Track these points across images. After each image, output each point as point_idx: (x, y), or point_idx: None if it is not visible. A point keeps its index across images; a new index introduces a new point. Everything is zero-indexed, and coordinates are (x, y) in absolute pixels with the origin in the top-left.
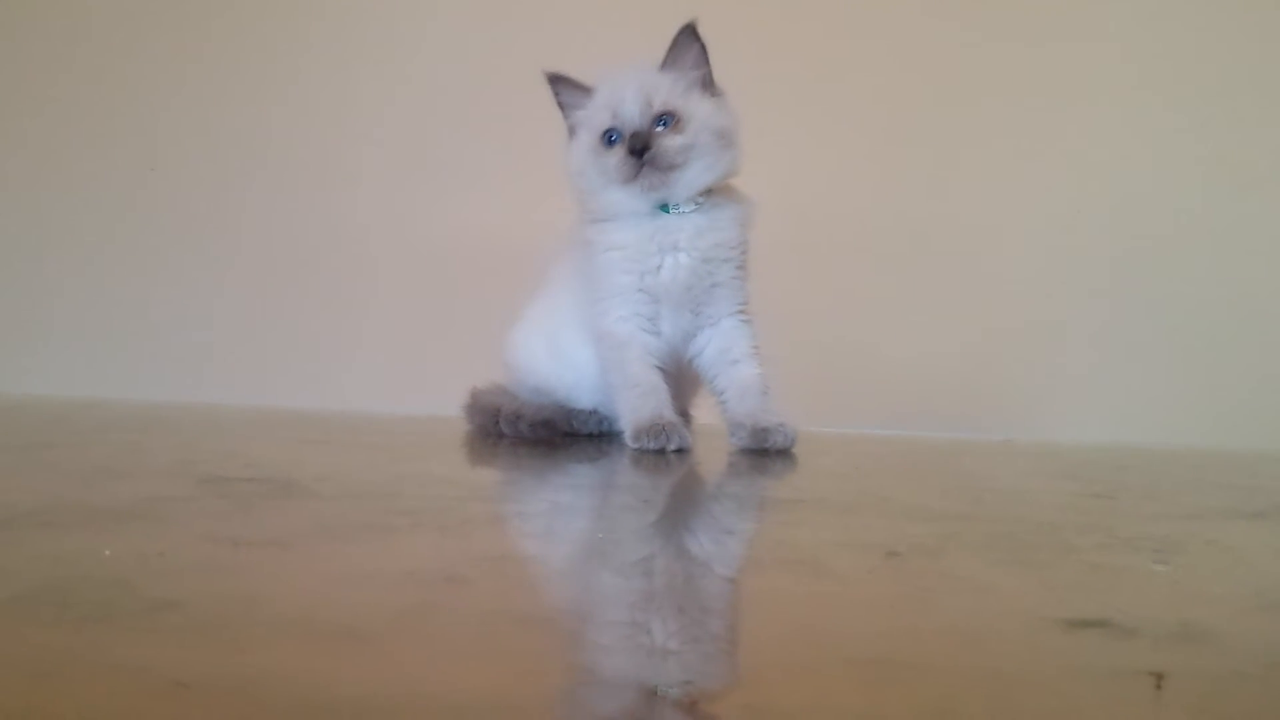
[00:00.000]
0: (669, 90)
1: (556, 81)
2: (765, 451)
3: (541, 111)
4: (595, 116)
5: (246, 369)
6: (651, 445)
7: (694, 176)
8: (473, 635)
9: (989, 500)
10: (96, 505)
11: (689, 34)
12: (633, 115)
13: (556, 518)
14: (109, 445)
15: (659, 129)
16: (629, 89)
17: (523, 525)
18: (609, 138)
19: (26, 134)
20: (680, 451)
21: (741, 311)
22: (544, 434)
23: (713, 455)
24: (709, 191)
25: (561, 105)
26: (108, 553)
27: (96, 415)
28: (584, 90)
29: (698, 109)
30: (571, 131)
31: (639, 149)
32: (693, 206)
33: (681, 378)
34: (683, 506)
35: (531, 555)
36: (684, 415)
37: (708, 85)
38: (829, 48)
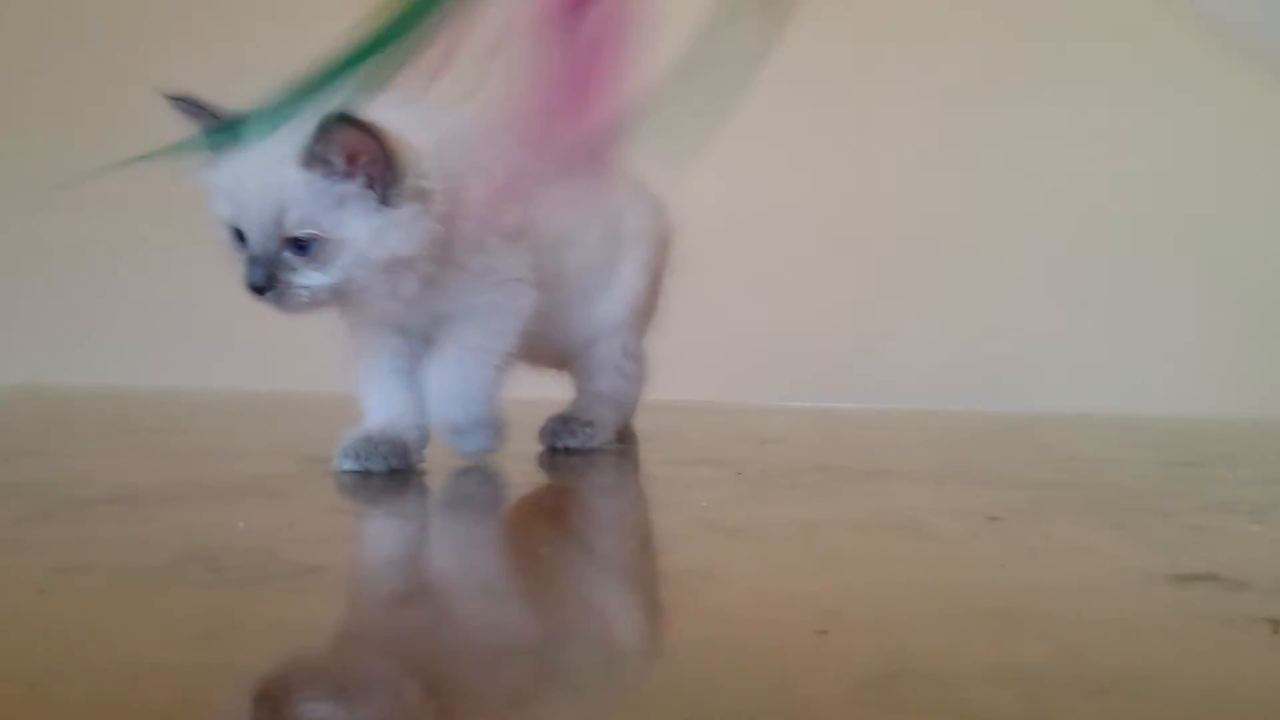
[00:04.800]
0: (311, 202)
1: (185, 107)
2: None
3: None
4: (220, 196)
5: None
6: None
7: (359, 307)
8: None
9: (1075, 469)
10: (214, 483)
11: (340, 121)
12: (254, 235)
13: (696, 488)
14: (208, 430)
15: (293, 255)
16: (251, 191)
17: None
18: (236, 233)
19: (91, 128)
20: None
21: None
22: None
23: (802, 434)
24: None
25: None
26: (241, 524)
27: (185, 403)
28: (230, 132)
29: (356, 234)
30: (209, 163)
31: (259, 284)
32: None
33: None
34: (777, 477)
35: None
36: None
37: (383, 187)
38: (855, 39)
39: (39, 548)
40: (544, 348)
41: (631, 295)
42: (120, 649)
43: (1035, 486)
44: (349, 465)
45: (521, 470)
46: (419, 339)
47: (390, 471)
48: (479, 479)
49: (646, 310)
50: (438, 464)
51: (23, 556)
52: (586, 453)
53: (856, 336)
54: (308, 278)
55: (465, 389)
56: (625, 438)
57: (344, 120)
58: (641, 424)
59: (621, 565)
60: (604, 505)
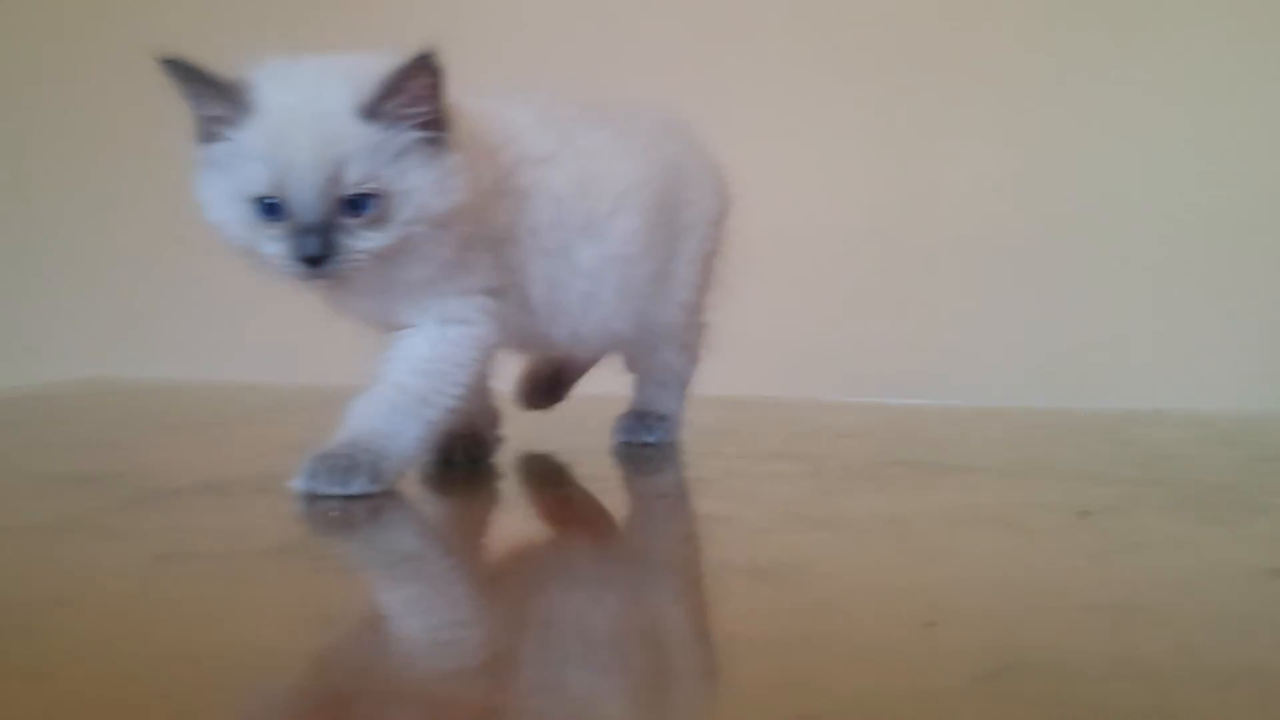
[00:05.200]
0: (372, 155)
1: (179, 72)
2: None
3: None
4: (247, 167)
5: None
6: None
7: (394, 271)
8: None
9: (1160, 465)
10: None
11: (420, 66)
12: (307, 197)
13: (778, 482)
14: (287, 424)
15: (349, 218)
16: (303, 149)
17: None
18: (267, 207)
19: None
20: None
21: None
22: None
23: (874, 430)
24: None
25: (190, 100)
26: (333, 513)
27: (250, 398)
28: (225, 91)
29: (419, 184)
30: (202, 135)
31: (313, 255)
32: None
33: None
34: (857, 472)
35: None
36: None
37: (436, 135)
38: (909, 32)
39: (139, 535)
40: (601, 346)
41: (685, 294)
42: (231, 633)
43: (1121, 482)
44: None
45: (598, 464)
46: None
47: (473, 461)
48: (549, 465)
49: (704, 301)
50: (513, 451)
51: (126, 544)
52: (662, 446)
53: (914, 332)
54: (366, 240)
55: (389, 430)
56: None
57: (421, 64)
58: (708, 418)
59: (717, 558)
60: (687, 499)
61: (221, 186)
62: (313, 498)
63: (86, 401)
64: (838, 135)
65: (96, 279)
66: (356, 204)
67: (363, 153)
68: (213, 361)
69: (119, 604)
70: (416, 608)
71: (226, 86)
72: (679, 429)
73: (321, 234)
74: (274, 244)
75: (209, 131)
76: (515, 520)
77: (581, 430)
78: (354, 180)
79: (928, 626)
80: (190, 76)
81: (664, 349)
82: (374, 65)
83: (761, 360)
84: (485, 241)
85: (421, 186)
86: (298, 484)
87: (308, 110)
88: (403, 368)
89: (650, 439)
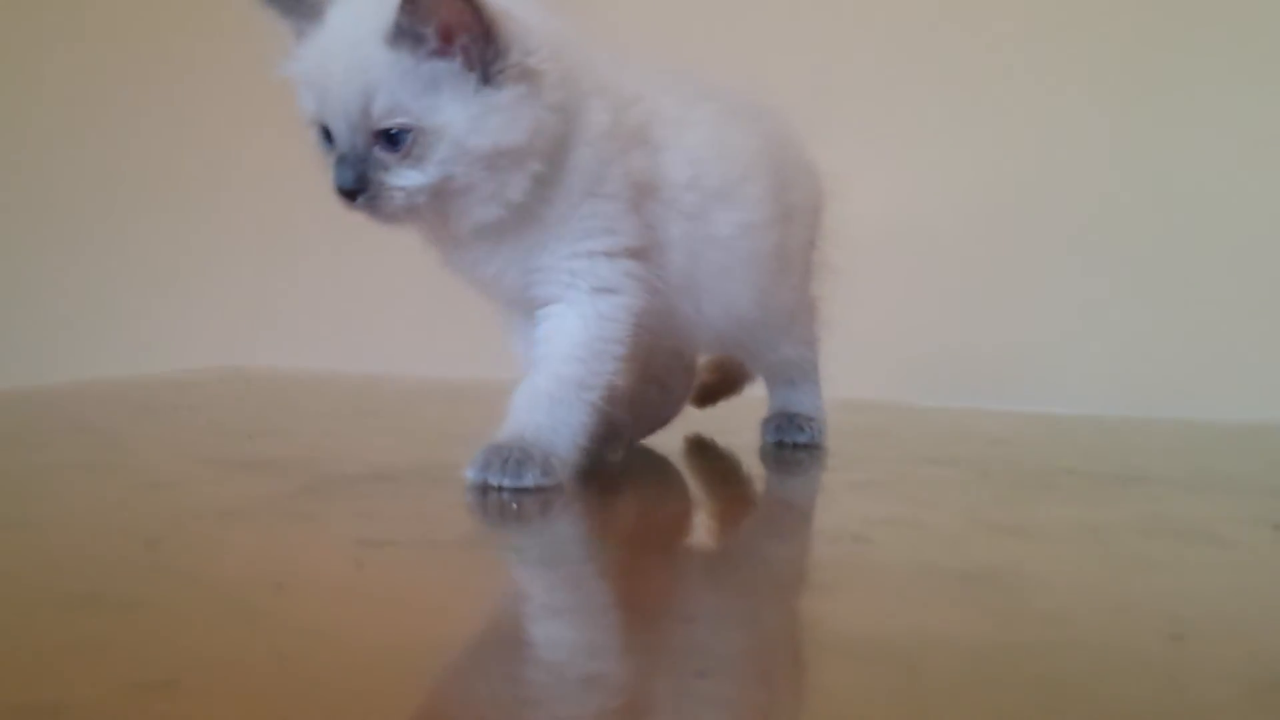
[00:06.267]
0: (399, 85)
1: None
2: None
3: None
4: (301, 91)
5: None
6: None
7: (460, 215)
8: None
9: None
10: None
11: None
12: (341, 127)
13: (947, 488)
14: (436, 414)
15: (384, 151)
16: (334, 77)
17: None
18: (324, 132)
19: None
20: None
21: None
22: None
23: (1022, 436)
24: None
25: (279, 13)
26: (515, 505)
27: (394, 388)
28: (303, 3)
29: (453, 120)
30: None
31: (349, 187)
32: None
33: None
34: (1027, 478)
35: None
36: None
37: (483, 65)
38: (1020, 38)
39: (331, 521)
40: (720, 336)
41: (798, 277)
42: (457, 622)
43: None
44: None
45: (751, 465)
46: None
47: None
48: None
49: (813, 290)
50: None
51: (323, 529)
52: (812, 447)
53: (1035, 338)
54: (403, 177)
55: (553, 424)
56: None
57: None
58: (847, 420)
59: (919, 562)
60: (861, 502)
61: (301, 107)
62: (484, 488)
63: (233, 389)
64: (966, 134)
65: (230, 270)
66: (392, 137)
67: (388, 83)
68: (346, 353)
69: (335, 590)
70: (625, 601)
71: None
72: (826, 430)
73: (355, 166)
74: (328, 172)
75: (290, 46)
76: (692, 519)
77: (726, 431)
78: (381, 112)
79: (1175, 639)
80: (288, 5)
81: (784, 343)
82: None
83: (877, 364)
84: (627, 196)
85: (455, 122)
86: (470, 474)
87: (345, 34)
88: (559, 353)
89: (802, 439)
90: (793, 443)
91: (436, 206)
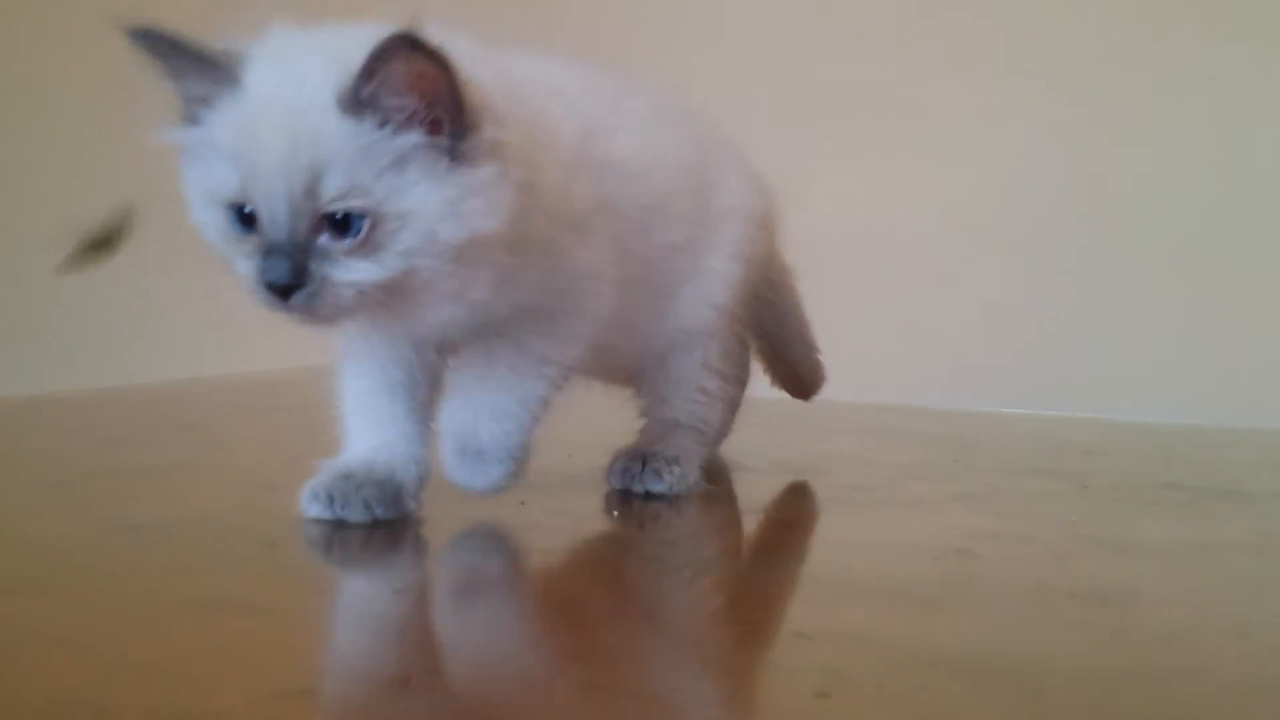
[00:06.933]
0: (358, 162)
1: (150, 43)
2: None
3: None
4: (216, 164)
5: None
6: None
7: (414, 314)
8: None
9: None
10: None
11: (396, 46)
12: (275, 209)
13: (1047, 500)
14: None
15: (331, 240)
16: (271, 148)
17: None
18: (241, 215)
19: None
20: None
21: None
22: None
23: (1116, 447)
24: None
25: (168, 75)
26: (616, 513)
27: None
28: (206, 64)
29: (423, 204)
30: (184, 115)
31: (284, 282)
32: None
33: None
34: (1129, 493)
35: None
36: None
37: (453, 140)
38: (1030, 37)
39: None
40: (608, 358)
41: (719, 291)
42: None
43: None
44: (317, 511)
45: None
46: (431, 347)
47: (375, 522)
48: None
49: (738, 313)
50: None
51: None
52: (670, 499)
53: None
54: (354, 270)
55: (504, 402)
56: (712, 474)
57: (406, 44)
58: (932, 428)
59: (1029, 581)
60: (961, 515)
61: (198, 183)
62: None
63: (323, 389)
64: (1015, 139)
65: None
66: (341, 223)
67: (344, 158)
68: None
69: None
70: (741, 617)
71: (208, 59)
72: (698, 476)
73: (292, 257)
74: (244, 262)
75: (189, 112)
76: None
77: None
78: (334, 193)
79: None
80: (162, 48)
81: (683, 363)
82: (376, 38)
83: (964, 369)
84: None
85: (426, 208)
86: (470, 481)
87: (284, 98)
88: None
89: (659, 487)
90: (645, 491)
91: (388, 305)
